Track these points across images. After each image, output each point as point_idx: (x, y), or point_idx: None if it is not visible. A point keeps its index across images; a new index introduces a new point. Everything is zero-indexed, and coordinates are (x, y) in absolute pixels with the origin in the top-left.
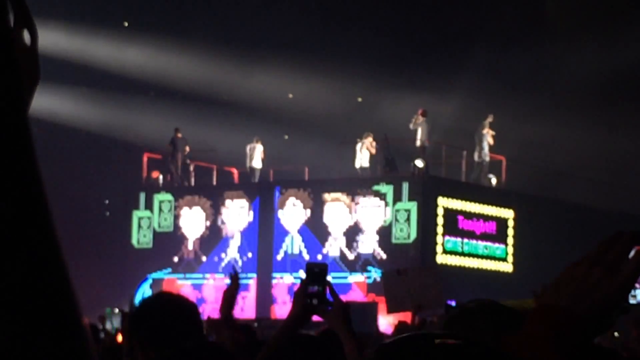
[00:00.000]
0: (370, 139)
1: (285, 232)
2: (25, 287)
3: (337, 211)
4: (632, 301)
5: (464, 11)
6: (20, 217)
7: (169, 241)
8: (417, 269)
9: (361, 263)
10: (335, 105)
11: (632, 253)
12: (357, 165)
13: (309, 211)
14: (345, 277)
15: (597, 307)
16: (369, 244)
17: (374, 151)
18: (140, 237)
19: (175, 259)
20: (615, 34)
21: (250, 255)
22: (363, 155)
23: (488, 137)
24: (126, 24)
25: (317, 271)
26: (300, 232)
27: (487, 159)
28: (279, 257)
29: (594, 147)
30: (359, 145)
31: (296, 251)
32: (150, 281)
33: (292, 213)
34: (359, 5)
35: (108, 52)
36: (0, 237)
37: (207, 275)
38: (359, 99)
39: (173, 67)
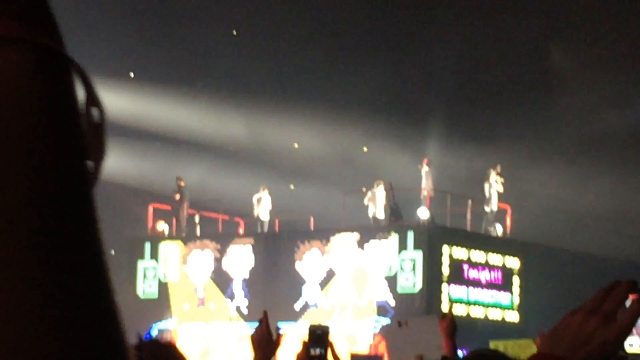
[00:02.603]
0: (382, 187)
1: (301, 282)
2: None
3: (346, 254)
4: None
5: (470, 60)
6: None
7: (175, 291)
8: (418, 319)
9: (378, 309)
10: (341, 155)
11: (628, 302)
12: (370, 214)
13: (324, 258)
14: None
15: (594, 356)
16: (380, 290)
17: (385, 200)
18: (146, 287)
19: (186, 306)
20: (620, 85)
21: (257, 301)
22: (377, 204)
23: (497, 185)
24: (132, 75)
25: (319, 333)
26: (314, 280)
27: (495, 208)
28: (297, 306)
29: (600, 196)
30: (369, 195)
31: (311, 300)
32: (155, 331)
33: (311, 263)
34: (363, 54)
35: (114, 102)
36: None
37: (215, 323)
38: (365, 148)
39: (179, 117)
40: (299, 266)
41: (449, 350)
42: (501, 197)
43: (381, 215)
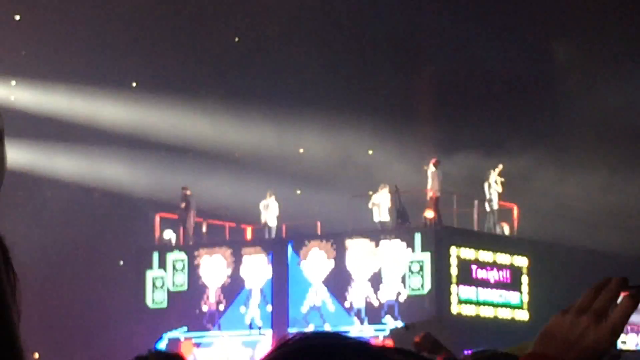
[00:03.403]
0: (386, 190)
1: (307, 285)
2: None
3: (361, 257)
4: (622, 347)
5: (473, 61)
6: None
7: (184, 300)
8: (425, 322)
9: (386, 311)
10: (346, 159)
11: (620, 299)
12: (376, 219)
13: (332, 261)
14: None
15: (586, 354)
16: (392, 291)
17: (390, 203)
18: (155, 297)
19: (196, 311)
20: (627, 83)
21: (269, 309)
22: (381, 208)
23: (496, 186)
24: (135, 84)
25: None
26: (324, 283)
27: (496, 207)
28: (304, 309)
29: (607, 193)
30: (375, 198)
31: (319, 303)
32: (165, 341)
33: (315, 264)
34: (367, 58)
35: (118, 112)
36: None
37: (225, 332)
38: (370, 152)
39: (183, 126)
40: (305, 266)
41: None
42: (508, 197)
43: (386, 218)
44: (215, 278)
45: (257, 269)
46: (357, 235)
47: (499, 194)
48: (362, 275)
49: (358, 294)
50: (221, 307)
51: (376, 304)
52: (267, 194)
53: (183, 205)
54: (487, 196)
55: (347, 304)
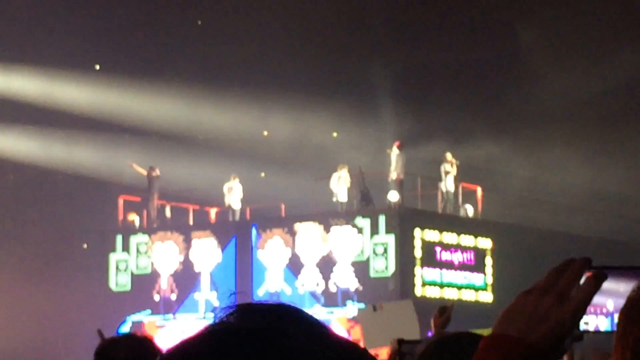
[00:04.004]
0: (345, 171)
1: (264, 270)
2: None
3: (311, 241)
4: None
5: (444, 48)
6: None
7: (147, 283)
8: (392, 304)
9: (342, 296)
10: (311, 141)
11: (583, 280)
12: (335, 199)
13: (289, 250)
14: (332, 313)
15: (549, 335)
16: (345, 277)
17: (349, 184)
18: (119, 280)
19: (157, 297)
20: (590, 64)
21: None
22: (340, 188)
23: (450, 168)
24: (98, 67)
25: None
26: (280, 269)
27: (452, 189)
28: (260, 293)
29: (570, 175)
30: (334, 178)
31: (277, 289)
32: (129, 324)
33: (273, 251)
34: (330, 41)
35: (81, 95)
36: None
37: (187, 315)
38: (334, 134)
39: (147, 108)
40: (262, 255)
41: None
42: (472, 179)
43: (343, 198)
44: (172, 259)
45: (209, 253)
46: (307, 219)
47: (455, 177)
48: (312, 260)
49: (310, 279)
50: (180, 289)
51: (333, 288)
52: (231, 177)
53: (148, 180)
54: (443, 177)
55: (301, 289)
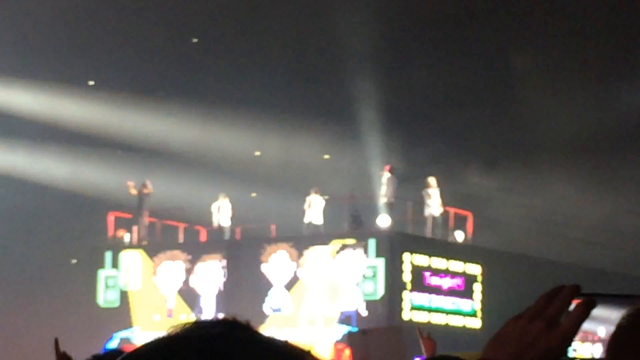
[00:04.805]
0: (317, 194)
1: (268, 287)
2: None
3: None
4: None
5: (437, 73)
6: None
7: (137, 300)
8: (380, 329)
9: (343, 318)
10: (303, 162)
11: (572, 307)
12: (307, 221)
13: (295, 264)
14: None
15: None
16: (349, 299)
17: (320, 208)
18: (107, 296)
19: (157, 317)
20: (578, 91)
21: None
22: (313, 210)
23: (432, 192)
24: (92, 83)
25: None
26: (283, 286)
27: (437, 214)
28: (266, 310)
29: (560, 202)
30: (307, 201)
31: (278, 306)
32: (117, 340)
33: (277, 267)
34: (323, 64)
35: (74, 110)
36: None
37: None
38: (326, 156)
39: (139, 125)
40: (265, 268)
41: None
42: (462, 205)
43: (318, 221)
44: (175, 282)
45: (215, 275)
46: (278, 241)
47: (441, 202)
48: (317, 283)
49: (312, 300)
50: (181, 311)
51: (332, 311)
52: (220, 196)
53: (137, 197)
54: (426, 202)
55: (302, 309)
